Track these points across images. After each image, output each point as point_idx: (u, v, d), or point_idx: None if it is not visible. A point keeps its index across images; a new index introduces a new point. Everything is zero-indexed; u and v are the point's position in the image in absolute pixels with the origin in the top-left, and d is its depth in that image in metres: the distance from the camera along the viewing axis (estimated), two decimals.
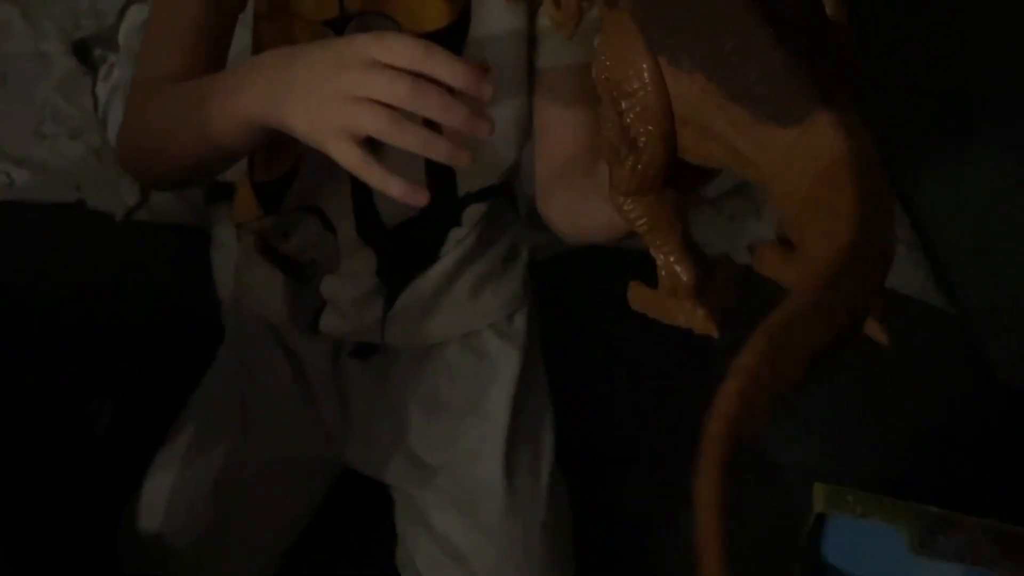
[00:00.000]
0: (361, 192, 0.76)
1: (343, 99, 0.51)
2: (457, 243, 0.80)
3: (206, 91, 0.61)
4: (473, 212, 0.79)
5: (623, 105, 0.43)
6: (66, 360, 0.90)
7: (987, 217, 1.19)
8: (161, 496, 0.77)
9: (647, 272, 1.17)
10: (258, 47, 0.73)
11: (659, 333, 1.03)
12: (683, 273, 0.46)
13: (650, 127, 0.42)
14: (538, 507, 0.79)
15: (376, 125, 0.51)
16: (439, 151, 0.52)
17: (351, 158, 0.52)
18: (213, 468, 0.78)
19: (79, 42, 1.27)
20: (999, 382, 1.07)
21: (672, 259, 0.46)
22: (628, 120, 0.43)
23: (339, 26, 0.68)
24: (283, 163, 0.76)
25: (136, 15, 1.14)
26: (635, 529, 0.92)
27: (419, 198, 0.52)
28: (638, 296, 0.49)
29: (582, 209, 0.66)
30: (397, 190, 0.52)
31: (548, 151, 0.73)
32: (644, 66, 0.41)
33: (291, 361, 0.84)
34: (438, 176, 0.74)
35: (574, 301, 1.05)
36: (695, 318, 0.48)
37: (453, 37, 0.70)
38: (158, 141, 0.66)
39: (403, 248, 0.78)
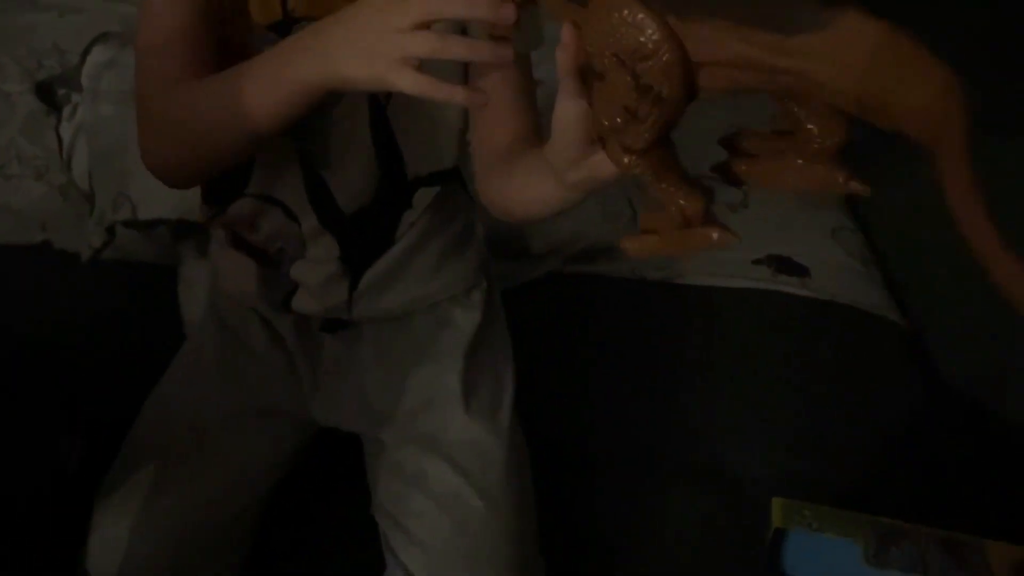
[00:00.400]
0: (315, 184, 0.80)
1: (390, 35, 0.56)
2: (411, 225, 0.84)
3: (252, 72, 0.64)
4: (423, 196, 0.83)
5: (638, 68, 0.47)
6: (35, 400, 0.90)
7: (940, 236, 1.22)
8: (145, 429, 0.84)
9: (618, 296, 1.17)
10: (226, 47, 0.75)
11: (628, 353, 1.07)
12: (696, 202, 0.53)
13: (674, 79, 0.47)
14: (499, 446, 0.84)
15: (427, 45, 0.56)
16: (483, 53, 0.58)
17: (418, 82, 0.57)
18: (192, 410, 0.84)
19: (42, 83, 1.28)
20: (951, 395, 1.11)
21: (681, 196, 0.53)
22: (648, 79, 0.47)
23: (283, 31, 0.72)
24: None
25: (99, 55, 1.15)
26: (604, 536, 0.94)
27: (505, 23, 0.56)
28: (643, 244, 0.55)
29: (521, 187, 0.70)
30: (465, 93, 0.60)
31: (485, 135, 0.77)
32: (656, 25, 0.46)
33: (267, 328, 0.88)
34: (388, 164, 0.79)
35: (543, 330, 1.07)
36: (714, 235, 0.54)
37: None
38: (198, 133, 0.69)
39: (362, 233, 0.83)
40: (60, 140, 1.20)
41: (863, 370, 1.11)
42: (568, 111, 0.56)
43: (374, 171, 0.80)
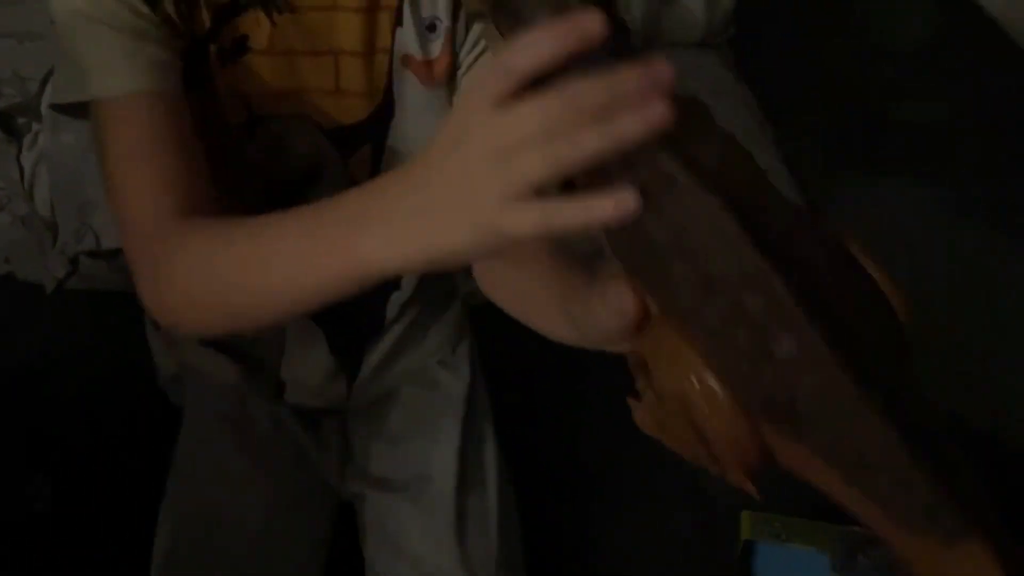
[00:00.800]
0: None
1: (489, 165, 0.38)
2: (401, 307, 0.82)
3: (289, 242, 0.49)
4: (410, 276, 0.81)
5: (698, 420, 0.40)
6: (4, 435, 0.90)
7: (895, 228, 1.25)
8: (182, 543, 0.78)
9: None
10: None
11: (591, 366, 1.08)
12: None
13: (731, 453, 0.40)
14: (489, 515, 0.83)
15: (539, 165, 0.37)
16: (606, 209, 0.38)
17: (531, 220, 0.38)
18: (229, 517, 0.80)
19: (2, 111, 1.26)
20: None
21: None
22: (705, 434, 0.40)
23: (250, 130, 0.67)
24: None
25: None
26: (575, 554, 0.95)
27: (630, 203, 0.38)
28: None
29: (525, 312, 0.58)
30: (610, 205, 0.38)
31: None
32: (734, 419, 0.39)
33: (267, 412, 0.85)
34: None
35: (514, 344, 1.08)
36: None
37: (372, 128, 0.70)
38: (211, 305, 0.55)
39: (350, 320, 0.80)
40: (21, 169, 1.18)
41: None
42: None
43: None
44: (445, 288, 0.89)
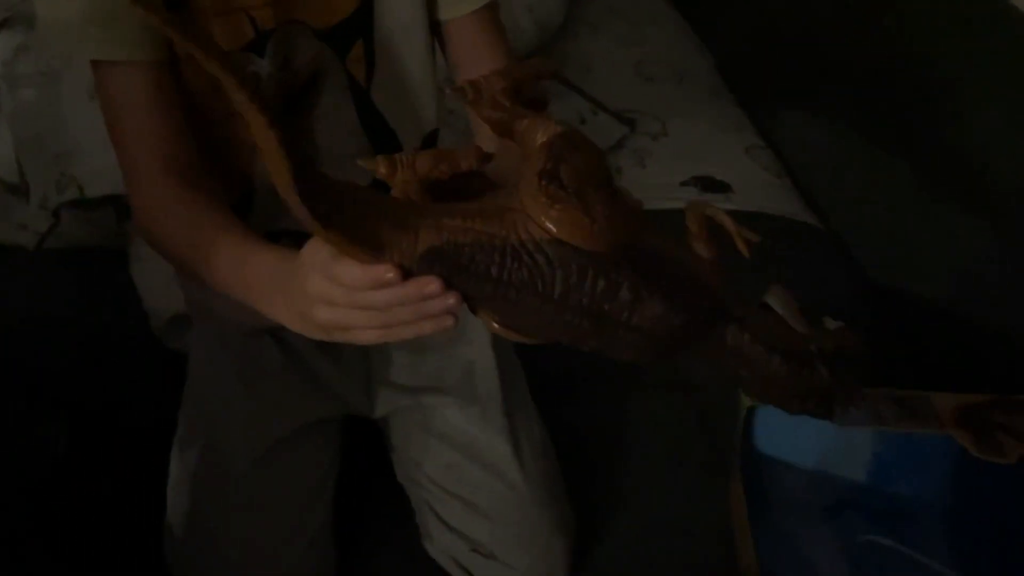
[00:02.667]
0: None
1: (316, 307, 0.54)
2: None
3: (209, 266, 0.64)
4: None
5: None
6: (9, 392, 0.89)
7: (841, 145, 1.33)
8: (184, 492, 0.80)
9: None
10: (186, 92, 0.73)
11: None
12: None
13: None
14: (530, 412, 0.88)
15: (369, 337, 0.53)
16: (429, 325, 0.52)
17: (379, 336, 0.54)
18: (227, 452, 0.81)
19: None
20: (867, 280, 1.21)
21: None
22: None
23: (259, 48, 0.70)
24: (235, 190, 0.77)
25: (9, 40, 1.10)
26: (585, 445, 0.99)
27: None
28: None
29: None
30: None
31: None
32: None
33: (279, 345, 0.86)
34: (380, 143, 0.78)
35: None
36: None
37: (360, 21, 0.73)
38: (168, 257, 0.70)
39: None
40: None
41: (795, 269, 1.19)
42: None
43: (370, 155, 0.78)
44: None
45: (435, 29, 0.77)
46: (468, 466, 0.84)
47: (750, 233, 0.55)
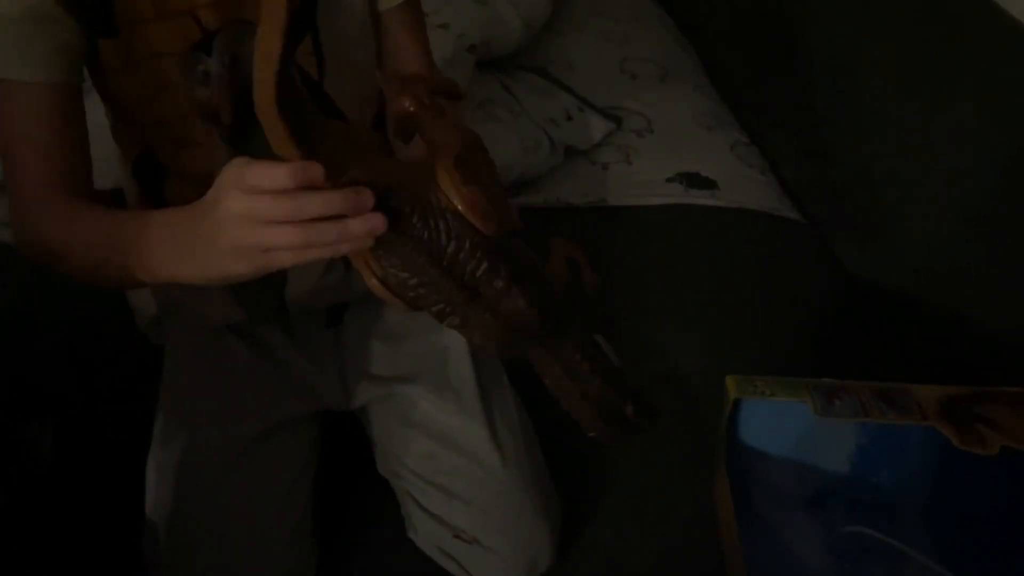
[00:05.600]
0: None
1: (259, 230, 0.53)
2: None
3: (115, 249, 0.63)
4: None
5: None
6: None
7: (822, 141, 1.34)
8: (164, 489, 0.80)
9: (548, 224, 1.22)
10: (114, 99, 0.75)
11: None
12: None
13: None
14: (507, 397, 0.88)
15: (294, 239, 0.53)
16: (356, 232, 0.53)
17: (260, 263, 0.55)
18: (202, 453, 0.81)
19: None
20: (847, 272, 1.22)
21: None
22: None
23: (206, 47, 0.69)
24: (197, 186, 0.77)
25: None
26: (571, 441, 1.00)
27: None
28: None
29: None
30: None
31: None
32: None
33: (244, 341, 0.87)
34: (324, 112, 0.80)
35: None
36: None
37: (305, 16, 0.74)
38: (68, 265, 0.69)
39: None
40: None
41: (777, 264, 1.21)
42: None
43: None
44: None
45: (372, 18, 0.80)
46: (445, 453, 0.85)
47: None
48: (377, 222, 0.52)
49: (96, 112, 0.76)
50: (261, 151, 0.78)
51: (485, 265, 0.56)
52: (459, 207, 0.54)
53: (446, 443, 0.85)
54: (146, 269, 0.61)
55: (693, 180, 1.30)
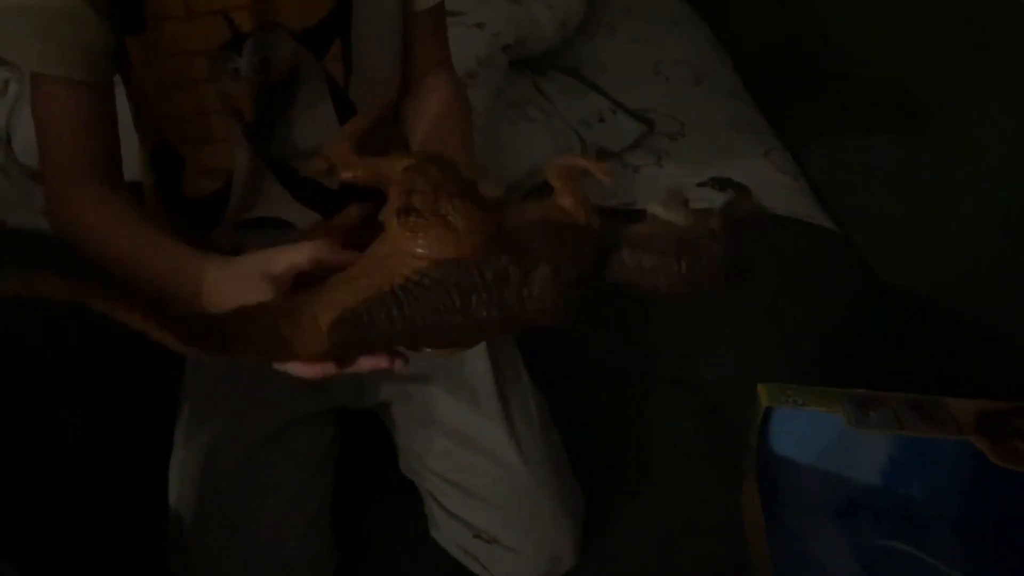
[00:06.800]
0: (298, 181, 0.81)
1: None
2: None
3: (149, 279, 0.67)
4: None
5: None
6: (27, 376, 0.89)
7: (855, 148, 1.33)
8: (188, 488, 0.81)
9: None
10: (137, 91, 0.75)
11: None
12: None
13: None
14: (526, 395, 0.88)
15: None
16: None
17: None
18: (222, 449, 0.82)
19: None
20: (881, 282, 1.21)
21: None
22: None
23: (236, 47, 0.72)
24: (214, 181, 0.79)
25: None
26: (599, 445, 0.99)
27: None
28: None
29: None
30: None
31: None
32: None
33: None
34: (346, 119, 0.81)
35: None
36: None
37: (338, 21, 0.75)
38: (93, 260, 0.71)
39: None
40: None
41: (808, 272, 1.20)
42: None
43: (337, 126, 0.80)
44: None
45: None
46: (462, 452, 0.84)
47: (602, 166, 0.63)
48: (384, 363, 0.58)
49: (119, 100, 0.76)
50: (279, 150, 0.80)
51: (490, 275, 0.55)
52: (429, 257, 0.54)
53: (463, 442, 0.84)
54: (160, 290, 0.65)
55: (724, 184, 1.29)
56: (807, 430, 0.87)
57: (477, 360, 0.87)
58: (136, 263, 0.68)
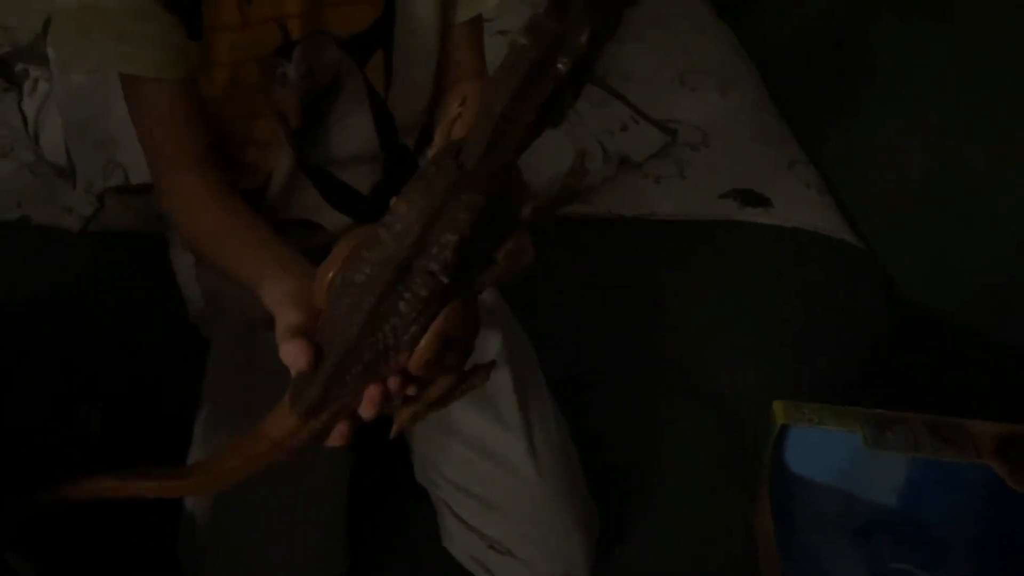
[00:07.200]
0: (331, 184, 0.82)
1: None
2: None
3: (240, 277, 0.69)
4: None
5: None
6: (48, 369, 0.90)
7: (883, 163, 1.31)
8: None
9: (598, 235, 1.21)
10: (201, 93, 0.77)
11: (612, 287, 1.11)
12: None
13: None
14: (546, 407, 0.87)
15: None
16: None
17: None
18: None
19: None
20: (904, 299, 1.19)
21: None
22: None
23: (287, 53, 0.75)
24: (251, 182, 0.81)
25: None
26: (610, 457, 0.98)
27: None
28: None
29: None
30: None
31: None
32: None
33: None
34: (387, 136, 0.83)
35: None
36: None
37: (380, 32, 0.77)
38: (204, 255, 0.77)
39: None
40: (24, 117, 1.17)
41: (829, 287, 1.19)
42: None
43: (375, 141, 0.83)
44: None
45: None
46: (480, 462, 0.84)
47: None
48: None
49: None
50: (316, 154, 0.81)
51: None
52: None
53: (481, 451, 0.84)
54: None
55: (747, 197, 1.28)
56: (823, 449, 0.86)
57: (498, 370, 0.86)
58: (219, 253, 0.72)
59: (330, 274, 0.53)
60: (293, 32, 0.74)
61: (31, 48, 1.20)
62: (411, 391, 0.55)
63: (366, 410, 0.55)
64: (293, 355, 0.55)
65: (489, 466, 0.84)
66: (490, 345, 0.87)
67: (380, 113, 0.81)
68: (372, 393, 0.54)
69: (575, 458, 0.88)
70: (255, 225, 0.73)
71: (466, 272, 0.50)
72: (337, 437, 0.57)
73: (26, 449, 0.82)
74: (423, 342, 0.51)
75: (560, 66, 0.46)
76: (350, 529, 0.87)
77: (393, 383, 0.54)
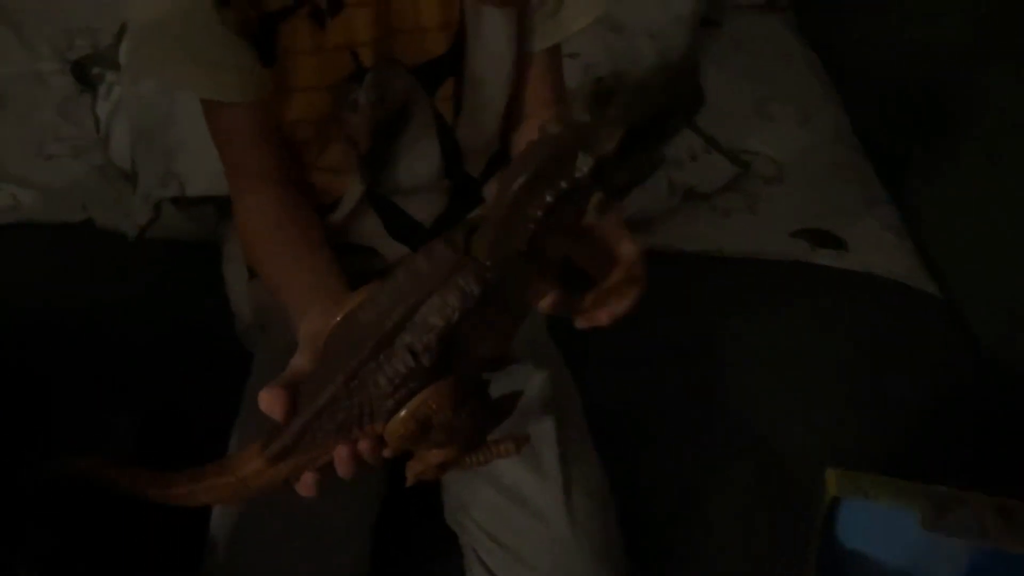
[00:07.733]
0: (393, 213, 0.83)
1: None
2: None
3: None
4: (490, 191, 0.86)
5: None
6: (88, 378, 0.91)
7: (970, 207, 1.23)
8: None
9: (657, 270, 1.15)
10: (285, 112, 0.78)
11: (670, 327, 1.06)
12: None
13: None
14: (590, 460, 0.84)
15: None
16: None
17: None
18: None
19: (77, 62, 1.28)
20: (987, 359, 1.11)
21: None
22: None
23: (358, 80, 0.75)
24: (321, 203, 0.82)
25: None
26: (653, 513, 0.94)
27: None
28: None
29: None
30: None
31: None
32: None
33: None
34: (452, 165, 0.83)
35: None
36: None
37: (451, 62, 0.78)
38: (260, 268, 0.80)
39: None
40: (97, 119, 1.20)
41: (902, 340, 1.12)
42: None
43: (440, 169, 0.83)
44: None
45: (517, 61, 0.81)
46: (513, 510, 0.81)
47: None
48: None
49: None
50: (381, 182, 0.81)
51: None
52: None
53: (515, 499, 0.81)
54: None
55: (820, 238, 1.22)
56: (878, 525, 0.80)
57: (543, 417, 0.84)
58: (273, 271, 0.75)
59: (335, 322, 0.52)
60: (365, 59, 0.74)
61: (108, 52, 1.22)
62: (387, 454, 0.54)
63: (339, 468, 0.54)
64: (267, 404, 0.55)
65: (522, 516, 0.81)
66: (535, 388, 0.85)
67: (447, 143, 0.81)
68: (341, 452, 0.53)
69: (613, 515, 0.84)
70: (318, 251, 0.74)
71: (459, 356, 0.48)
72: (303, 487, 0.57)
73: (60, 456, 0.83)
74: (398, 418, 0.49)
75: (581, 163, 0.43)
76: (374, 565, 0.85)
77: (364, 446, 0.53)
